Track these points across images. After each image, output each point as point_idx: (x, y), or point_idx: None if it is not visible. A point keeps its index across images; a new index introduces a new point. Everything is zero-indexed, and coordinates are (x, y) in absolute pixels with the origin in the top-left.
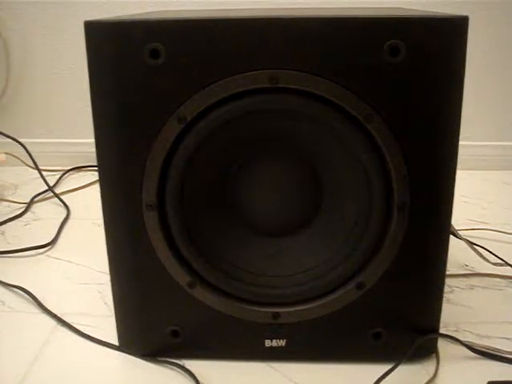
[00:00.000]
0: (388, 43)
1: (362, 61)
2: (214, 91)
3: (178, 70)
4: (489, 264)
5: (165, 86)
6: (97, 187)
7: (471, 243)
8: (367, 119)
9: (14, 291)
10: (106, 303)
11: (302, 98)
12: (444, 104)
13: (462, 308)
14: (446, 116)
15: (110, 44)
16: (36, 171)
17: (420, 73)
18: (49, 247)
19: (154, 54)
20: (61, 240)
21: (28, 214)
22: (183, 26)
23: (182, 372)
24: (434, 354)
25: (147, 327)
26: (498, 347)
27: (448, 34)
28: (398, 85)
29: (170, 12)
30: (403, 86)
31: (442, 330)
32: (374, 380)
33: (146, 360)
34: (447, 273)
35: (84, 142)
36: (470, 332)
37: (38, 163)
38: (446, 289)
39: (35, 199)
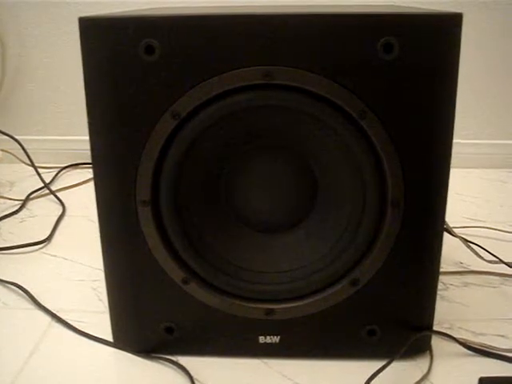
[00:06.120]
0: (382, 40)
1: (356, 57)
2: (209, 87)
3: (173, 66)
4: (483, 261)
5: (159, 82)
6: (93, 184)
7: (466, 241)
8: (361, 116)
9: (9, 288)
10: (100, 300)
11: (296, 95)
12: (438, 100)
13: (457, 305)
14: (440, 112)
15: (104, 40)
16: (32, 168)
17: (414, 69)
18: (44, 244)
19: (149, 50)
20: (56, 237)
21: (24, 211)
22: (178, 23)
23: (176, 368)
24: (427, 351)
25: (141, 323)
26: (492, 344)
27: (442, 31)
28: (392, 81)
29: (165, 9)
30: (397, 82)
31: (436, 327)
32: (368, 376)
33: (140, 356)
34: (442, 270)
35: (80, 139)
36: (464, 329)
37: (34, 160)
38: (441, 286)
39: (31, 196)
